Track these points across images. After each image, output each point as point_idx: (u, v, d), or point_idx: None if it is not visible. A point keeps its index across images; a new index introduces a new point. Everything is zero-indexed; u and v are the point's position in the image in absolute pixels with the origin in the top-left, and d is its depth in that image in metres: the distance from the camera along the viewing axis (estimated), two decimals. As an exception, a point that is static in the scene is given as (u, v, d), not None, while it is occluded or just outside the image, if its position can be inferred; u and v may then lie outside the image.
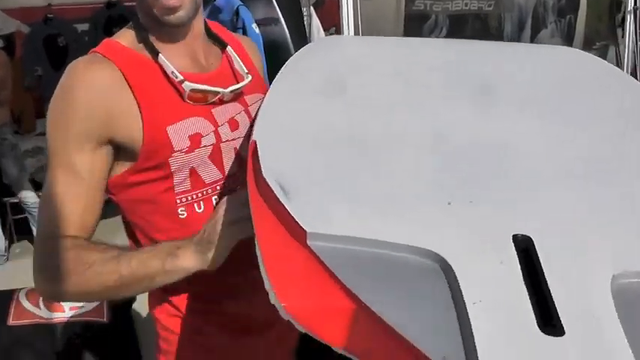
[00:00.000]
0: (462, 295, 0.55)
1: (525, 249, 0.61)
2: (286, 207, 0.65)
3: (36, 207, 3.94)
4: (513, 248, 0.61)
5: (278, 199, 0.67)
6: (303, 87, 0.92)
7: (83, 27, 5.04)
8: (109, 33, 1.03)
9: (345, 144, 0.79)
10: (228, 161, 1.04)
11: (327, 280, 0.59)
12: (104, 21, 4.81)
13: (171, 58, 0.99)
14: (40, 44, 4.82)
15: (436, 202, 0.68)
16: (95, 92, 0.93)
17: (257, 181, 0.73)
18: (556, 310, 0.54)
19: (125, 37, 1.01)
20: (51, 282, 0.92)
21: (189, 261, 0.91)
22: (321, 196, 0.69)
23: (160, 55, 0.98)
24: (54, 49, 4.82)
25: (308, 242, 0.62)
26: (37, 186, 4.07)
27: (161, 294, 1.07)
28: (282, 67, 0.96)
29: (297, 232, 0.64)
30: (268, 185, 0.69)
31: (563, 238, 0.63)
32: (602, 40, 4.92)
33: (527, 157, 0.79)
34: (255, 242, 0.66)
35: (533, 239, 0.62)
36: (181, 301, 1.07)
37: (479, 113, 0.87)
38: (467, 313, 0.53)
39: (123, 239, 1.07)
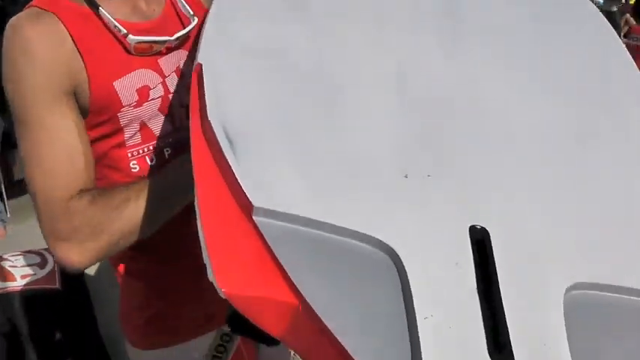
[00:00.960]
0: (413, 308, 0.53)
1: (481, 240, 0.58)
2: (233, 169, 0.60)
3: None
4: (470, 247, 0.58)
5: (223, 152, 0.61)
6: None
7: (20, -15, 4.38)
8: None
9: (305, 82, 0.72)
10: (177, 112, 1.03)
11: (270, 265, 0.54)
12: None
13: (112, 9, 0.96)
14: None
15: (393, 172, 0.63)
16: (50, 46, 0.89)
17: (202, 118, 0.66)
18: (507, 332, 0.53)
19: None
20: (89, 240, 0.88)
21: None
22: (272, 157, 0.62)
23: (100, 8, 0.95)
24: (-10, 10, 4.23)
25: (253, 217, 0.57)
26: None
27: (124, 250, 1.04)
28: None
29: (243, 201, 0.58)
30: (213, 132, 0.63)
31: (520, 237, 0.60)
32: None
33: (503, 121, 0.72)
34: (195, 200, 0.59)
35: (490, 233, 0.59)
36: (146, 252, 1.06)
37: (454, 56, 0.79)
38: (417, 329, 0.51)
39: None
